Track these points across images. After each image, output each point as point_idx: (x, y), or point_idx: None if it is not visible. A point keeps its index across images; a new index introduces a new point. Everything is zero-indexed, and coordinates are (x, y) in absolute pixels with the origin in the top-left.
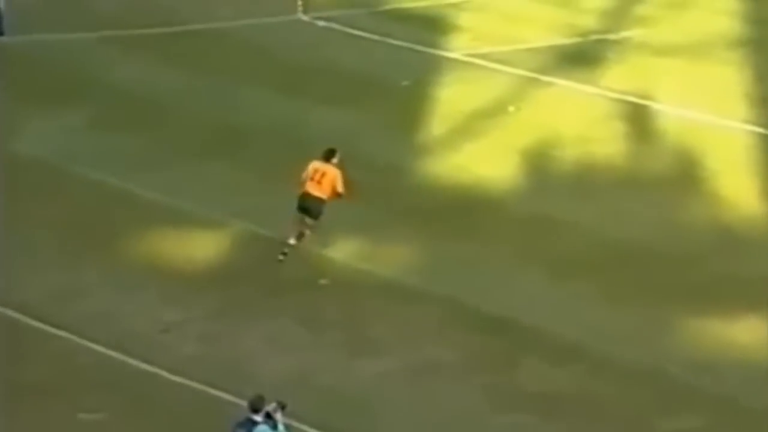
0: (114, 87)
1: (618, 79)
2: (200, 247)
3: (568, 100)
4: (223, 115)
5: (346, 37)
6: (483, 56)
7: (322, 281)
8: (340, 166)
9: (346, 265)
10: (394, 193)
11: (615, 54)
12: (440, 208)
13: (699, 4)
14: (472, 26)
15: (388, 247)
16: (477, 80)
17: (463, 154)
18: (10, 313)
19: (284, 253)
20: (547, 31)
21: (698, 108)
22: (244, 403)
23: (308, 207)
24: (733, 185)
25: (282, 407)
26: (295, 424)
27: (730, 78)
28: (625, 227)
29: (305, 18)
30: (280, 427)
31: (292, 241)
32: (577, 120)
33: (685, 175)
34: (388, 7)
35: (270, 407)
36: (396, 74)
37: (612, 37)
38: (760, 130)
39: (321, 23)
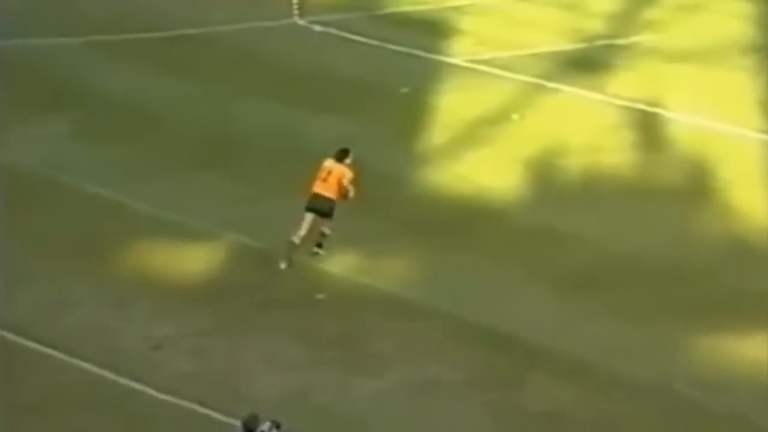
0: (103, 94)
1: (626, 85)
2: (193, 260)
3: (574, 108)
4: (215, 123)
5: (344, 42)
6: (485, 62)
7: (319, 296)
8: (352, 167)
9: (343, 278)
10: (394, 204)
11: (623, 60)
12: (441, 220)
13: (711, 8)
14: (474, 30)
15: (387, 260)
16: (479, 87)
17: (464, 163)
18: None
19: (289, 260)
20: (553, 35)
21: (710, 116)
22: (238, 423)
23: (315, 206)
24: (746, 196)
25: (277, 426)
26: None
27: (743, 85)
28: (634, 240)
29: (301, 22)
30: None
31: (296, 240)
32: (584, 128)
33: (697, 186)
34: (387, 10)
35: (265, 426)
36: (395, 81)
37: (620, 42)
38: None
39: (317, 28)
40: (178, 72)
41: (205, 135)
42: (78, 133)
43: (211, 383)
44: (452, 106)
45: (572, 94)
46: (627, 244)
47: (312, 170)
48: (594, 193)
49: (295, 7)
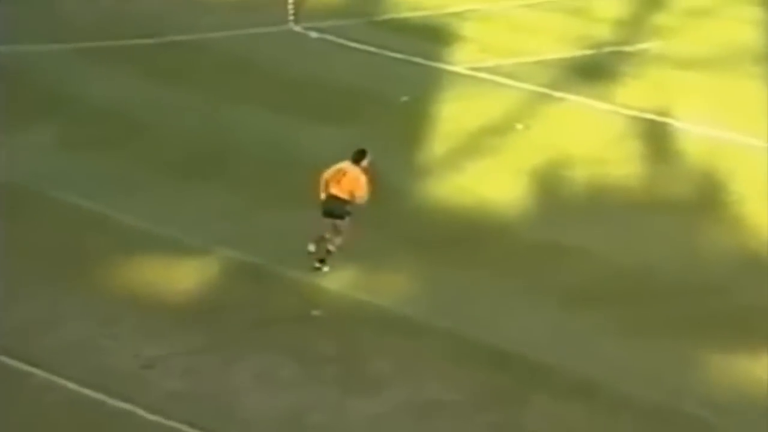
0: (90, 102)
1: (634, 94)
2: (183, 276)
3: (580, 118)
4: (207, 133)
5: (341, 50)
6: (488, 70)
7: (315, 312)
8: (366, 169)
9: (340, 294)
10: (393, 218)
11: (631, 67)
12: (442, 233)
13: (722, 14)
14: (476, 37)
15: (385, 275)
16: (482, 96)
17: (466, 175)
18: None
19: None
20: (558, 42)
21: (722, 126)
22: None
23: (329, 209)
24: (759, 210)
25: None
26: None
27: (756, 93)
28: (642, 255)
29: (297, 28)
30: None
31: (312, 248)
32: (591, 139)
33: (708, 199)
34: (385, 16)
35: None
36: (394, 89)
37: (628, 49)
38: None
39: (314, 34)
40: (170, 80)
41: (197, 145)
42: (63, 142)
43: (203, 403)
44: (454, 116)
45: (578, 103)
46: (634, 258)
47: (311, 180)
48: (600, 205)
49: (291, 12)
